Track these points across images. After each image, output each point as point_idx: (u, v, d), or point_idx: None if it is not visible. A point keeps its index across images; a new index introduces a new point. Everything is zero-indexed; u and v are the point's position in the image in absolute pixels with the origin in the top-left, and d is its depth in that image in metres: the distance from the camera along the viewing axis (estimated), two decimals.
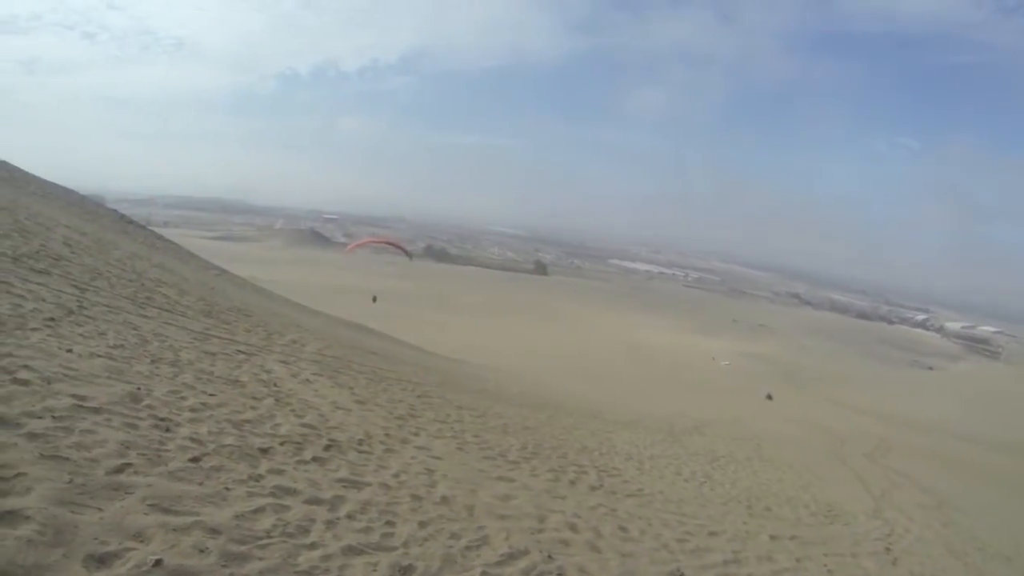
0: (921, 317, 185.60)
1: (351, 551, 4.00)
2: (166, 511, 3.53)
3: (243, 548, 3.50)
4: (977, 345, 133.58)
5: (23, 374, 4.46)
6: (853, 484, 15.05)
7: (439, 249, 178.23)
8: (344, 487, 5.00)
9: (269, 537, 3.74)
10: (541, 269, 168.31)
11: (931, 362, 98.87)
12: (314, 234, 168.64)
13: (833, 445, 22.66)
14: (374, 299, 38.35)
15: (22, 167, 24.15)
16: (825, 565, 7.70)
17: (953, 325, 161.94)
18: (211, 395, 5.90)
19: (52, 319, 6.12)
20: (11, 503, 3.01)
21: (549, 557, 5.06)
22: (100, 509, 3.29)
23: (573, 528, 6.07)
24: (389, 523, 4.64)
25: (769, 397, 44.09)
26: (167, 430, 4.61)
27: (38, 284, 7.30)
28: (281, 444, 5.34)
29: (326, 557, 3.81)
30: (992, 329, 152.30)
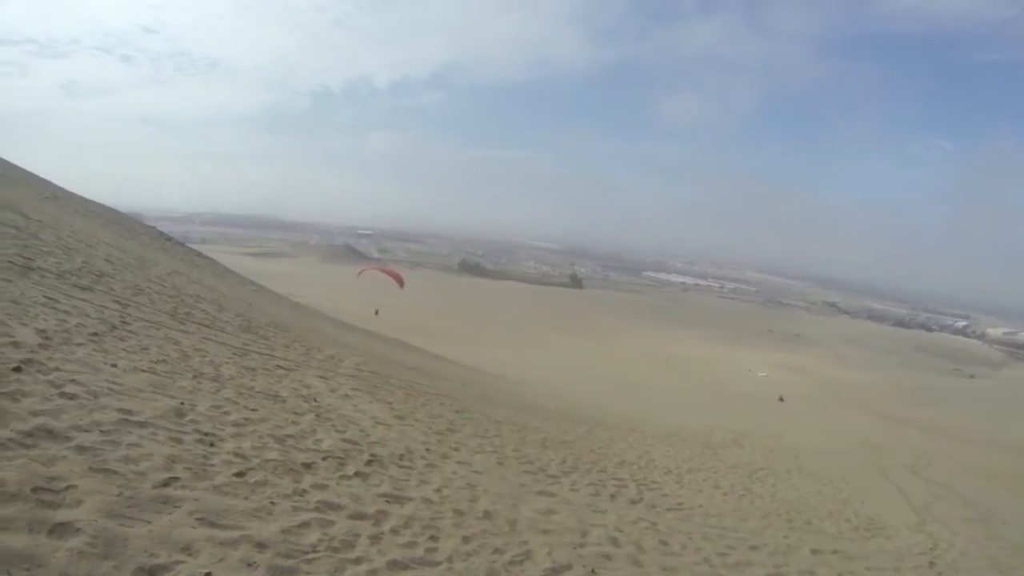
0: (961, 323, 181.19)
1: (396, 566, 3.98)
2: (213, 525, 3.54)
3: (290, 562, 3.50)
4: (1020, 351, 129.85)
5: (70, 388, 4.51)
6: (894, 497, 14.69)
7: (474, 264, 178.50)
8: (387, 502, 4.99)
9: (315, 551, 3.73)
10: (576, 282, 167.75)
11: (972, 370, 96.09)
12: (349, 249, 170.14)
13: (873, 457, 22.17)
14: (376, 312, 38.51)
15: (63, 186, 24.68)
16: None
17: (995, 331, 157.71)
18: (253, 410, 5.93)
19: (96, 334, 6.20)
20: (62, 515, 3.04)
21: (592, 572, 5.01)
22: (149, 522, 3.30)
23: (615, 542, 6.00)
24: (433, 538, 4.63)
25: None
26: (212, 445, 4.63)
27: (82, 300, 7.41)
28: (324, 459, 5.34)
29: (372, 572, 3.79)
30: None
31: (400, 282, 31.69)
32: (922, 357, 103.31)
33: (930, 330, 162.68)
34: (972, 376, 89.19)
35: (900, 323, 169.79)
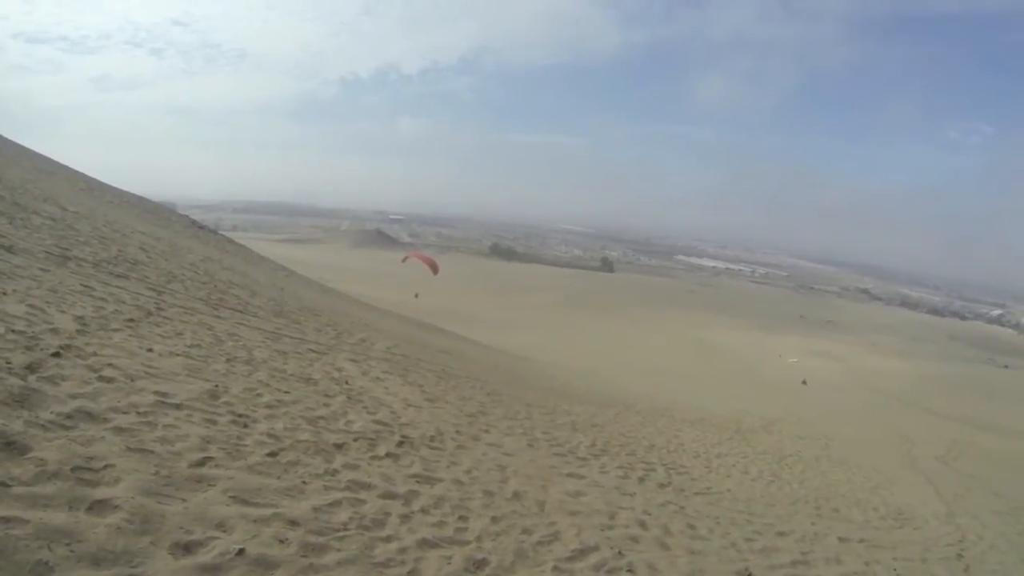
0: (997, 313, 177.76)
1: (426, 544, 4.02)
2: (247, 503, 3.60)
3: (321, 539, 3.55)
4: None
5: (108, 372, 4.61)
6: (924, 487, 14.43)
7: (506, 248, 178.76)
8: (418, 482, 5.04)
9: (346, 529, 3.79)
10: (607, 266, 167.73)
11: (1006, 360, 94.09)
12: (380, 235, 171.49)
13: (903, 446, 21.80)
14: (416, 295, 39.68)
15: (97, 178, 25.13)
16: (895, 570, 7.39)
17: None
18: (285, 392, 6.01)
19: (132, 320, 6.33)
20: (101, 492, 3.11)
21: (619, 553, 5.01)
22: (184, 500, 3.37)
23: (643, 525, 5.98)
24: (462, 518, 4.66)
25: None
26: (245, 426, 4.71)
27: (118, 287, 7.57)
28: (355, 440, 5.41)
29: (402, 550, 3.83)
30: None
31: (434, 269, 31.87)
32: (956, 346, 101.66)
33: (964, 318, 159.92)
34: (1006, 367, 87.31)
35: (934, 311, 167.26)
